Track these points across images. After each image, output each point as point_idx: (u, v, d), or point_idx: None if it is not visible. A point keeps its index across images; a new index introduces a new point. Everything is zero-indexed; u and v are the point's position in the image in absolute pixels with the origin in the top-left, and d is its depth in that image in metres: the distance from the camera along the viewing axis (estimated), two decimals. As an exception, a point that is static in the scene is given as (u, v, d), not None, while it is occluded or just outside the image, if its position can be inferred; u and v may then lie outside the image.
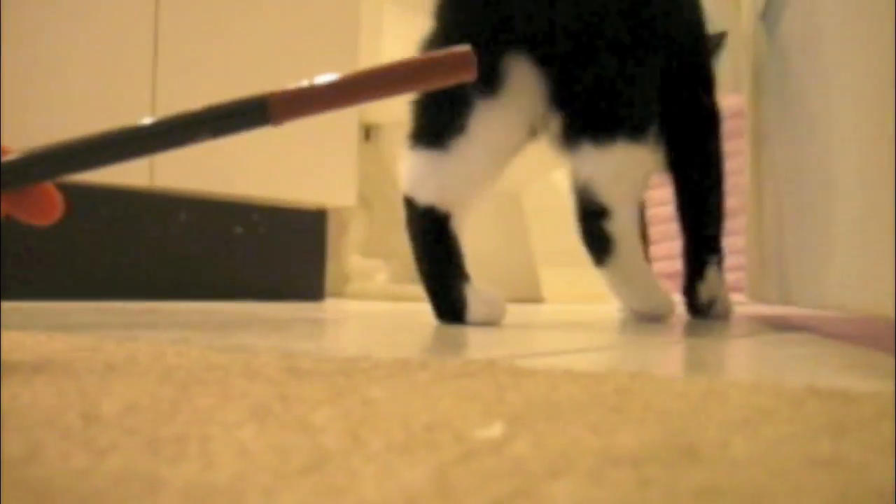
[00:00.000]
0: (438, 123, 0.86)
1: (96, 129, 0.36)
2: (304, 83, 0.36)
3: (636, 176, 0.89)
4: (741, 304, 1.76)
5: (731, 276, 1.93)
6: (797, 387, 0.29)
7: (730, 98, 1.92)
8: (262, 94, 0.36)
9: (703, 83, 1.08)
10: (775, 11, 0.84)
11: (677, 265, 2.03)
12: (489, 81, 0.83)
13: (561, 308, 1.46)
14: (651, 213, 2.02)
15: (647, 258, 1.24)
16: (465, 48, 0.35)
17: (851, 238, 0.54)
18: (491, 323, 0.81)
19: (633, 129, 0.87)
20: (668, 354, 0.56)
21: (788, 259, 0.78)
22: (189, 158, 1.37)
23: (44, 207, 0.36)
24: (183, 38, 1.35)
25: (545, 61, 0.84)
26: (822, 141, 0.63)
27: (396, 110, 1.86)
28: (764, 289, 0.97)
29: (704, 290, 1.14)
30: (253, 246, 1.51)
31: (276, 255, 1.55)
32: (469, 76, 0.36)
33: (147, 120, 0.36)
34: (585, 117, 0.86)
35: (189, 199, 1.41)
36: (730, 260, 1.93)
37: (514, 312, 1.23)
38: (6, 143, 0.38)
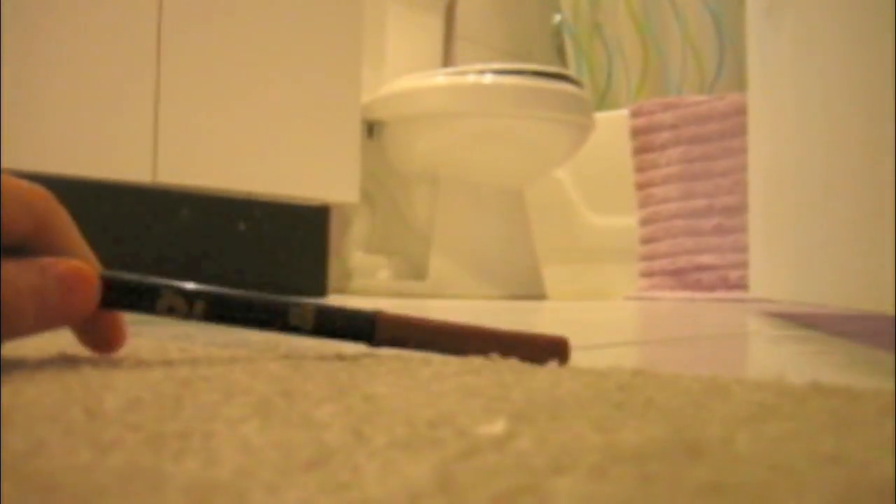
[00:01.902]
0: None
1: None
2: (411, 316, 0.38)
3: None
4: (745, 302, 1.76)
5: (734, 274, 1.92)
6: (800, 384, 0.29)
7: (733, 96, 1.91)
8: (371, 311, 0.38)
9: None
10: (779, 9, 0.84)
11: (678, 263, 2.04)
12: None
13: (563, 305, 1.46)
14: (652, 210, 2.02)
15: None
16: (563, 338, 0.38)
17: (853, 235, 0.54)
18: None
19: None
20: (670, 351, 0.56)
21: (791, 256, 0.78)
22: (191, 154, 1.37)
23: (112, 337, 0.36)
24: (184, 34, 1.35)
25: None
26: (824, 139, 0.63)
27: (398, 107, 1.86)
28: (767, 286, 0.97)
29: None
30: (256, 242, 1.51)
31: (279, 251, 1.55)
32: (561, 360, 0.37)
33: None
34: None
35: (192, 195, 1.41)
36: (733, 257, 1.92)
37: (517, 309, 1.22)
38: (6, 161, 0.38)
